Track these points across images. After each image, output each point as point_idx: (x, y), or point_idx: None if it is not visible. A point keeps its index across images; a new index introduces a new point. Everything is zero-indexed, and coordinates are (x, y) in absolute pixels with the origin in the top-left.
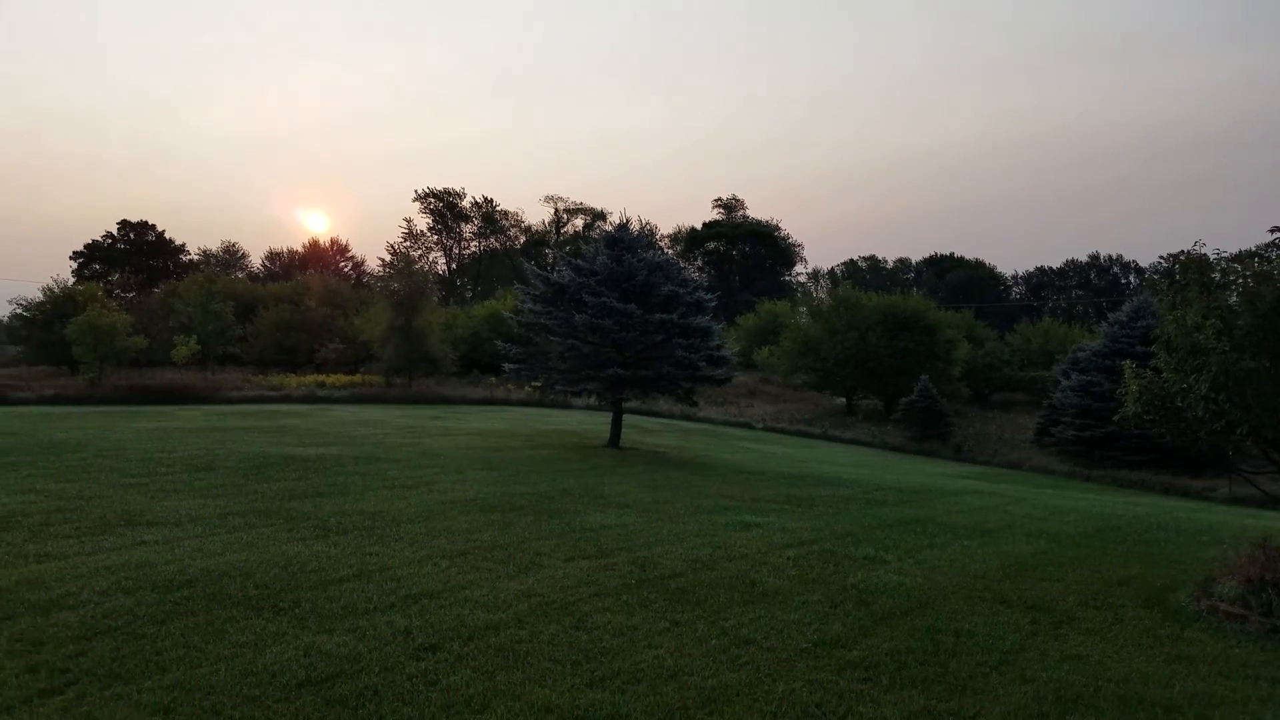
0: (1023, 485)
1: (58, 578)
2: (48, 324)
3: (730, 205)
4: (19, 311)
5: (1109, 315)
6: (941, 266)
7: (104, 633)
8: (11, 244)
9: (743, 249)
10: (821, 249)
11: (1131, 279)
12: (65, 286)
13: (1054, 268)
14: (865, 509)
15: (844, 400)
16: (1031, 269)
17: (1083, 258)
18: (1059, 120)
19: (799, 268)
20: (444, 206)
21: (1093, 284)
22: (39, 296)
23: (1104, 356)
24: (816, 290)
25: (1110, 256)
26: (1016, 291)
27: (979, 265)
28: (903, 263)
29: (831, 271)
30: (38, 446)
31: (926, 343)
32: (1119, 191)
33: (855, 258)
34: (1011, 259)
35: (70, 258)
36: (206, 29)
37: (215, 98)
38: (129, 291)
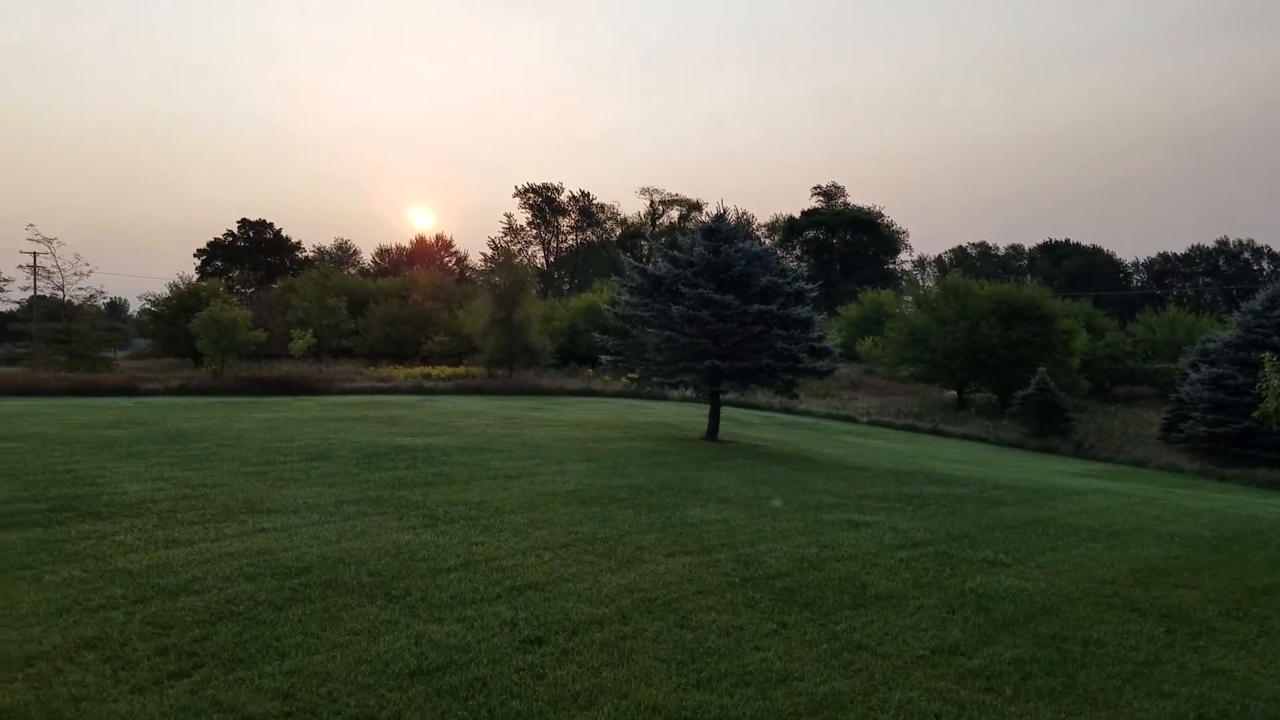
0: (1150, 484)
1: (185, 563)
2: (174, 319)
3: (830, 193)
4: (148, 307)
5: (1241, 304)
6: (1057, 253)
7: (227, 617)
8: (141, 242)
9: (843, 237)
10: (928, 236)
11: (1265, 265)
12: (190, 283)
13: (1178, 254)
14: (981, 508)
15: (954, 393)
16: (1154, 255)
17: (1210, 243)
18: (1179, 96)
19: (904, 255)
20: (542, 201)
21: (1221, 271)
22: (166, 293)
23: (1237, 348)
24: (923, 279)
25: (1240, 241)
26: (1138, 279)
27: (1097, 251)
28: (1015, 249)
29: (939, 259)
30: (165, 436)
31: (1043, 333)
32: (1249, 172)
33: (964, 244)
34: (1131, 245)
35: (194, 255)
36: (314, 31)
37: (325, 99)
38: (249, 287)
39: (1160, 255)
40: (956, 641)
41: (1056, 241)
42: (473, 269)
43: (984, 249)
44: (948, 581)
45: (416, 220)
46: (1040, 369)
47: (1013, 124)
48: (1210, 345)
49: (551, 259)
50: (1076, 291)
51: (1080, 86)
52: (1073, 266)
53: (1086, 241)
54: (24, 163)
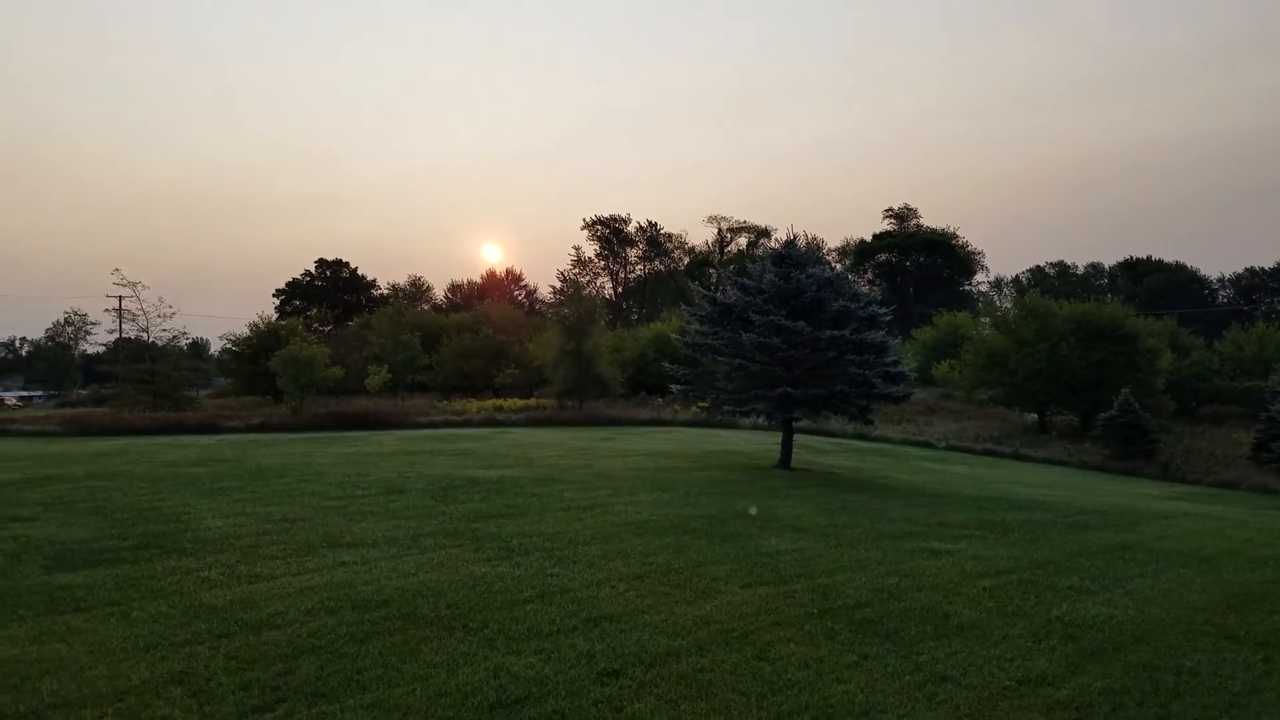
0: (1240, 507)
1: (267, 597)
2: (254, 357)
3: (902, 215)
4: (229, 346)
5: None
6: (1138, 271)
7: (309, 651)
8: (223, 284)
9: (917, 259)
10: (1004, 256)
11: None
12: (269, 322)
13: (1266, 268)
14: (1066, 534)
15: (1035, 416)
16: (1240, 270)
17: None
18: (1263, 108)
19: (980, 276)
20: (610, 233)
21: None
22: (246, 332)
23: None
24: (1000, 300)
25: None
26: (1224, 295)
27: (1179, 268)
28: (1094, 268)
29: (1016, 279)
30: (247, 472)
31: (1125, 353)
32: None
33: (1042, 264)
34: (1216, 261)
35: (273, 295)
36: (386, 78)
37: (398, 142)
38: (326, 325)
39: (1247, 270)
40: (1044, 672)
41: (1137, 259)
42: (542, 301)
43: (1062, 268)
44: (1033, 610)
45: (487, 255)
46: (1123, 390)
47: (1091, 141)
48: None
49: (619, 289)
50: (1160, 309)
51: (1159, 101)
52: (1155, 284)
53: (1169, 258)
54: (112, 209)
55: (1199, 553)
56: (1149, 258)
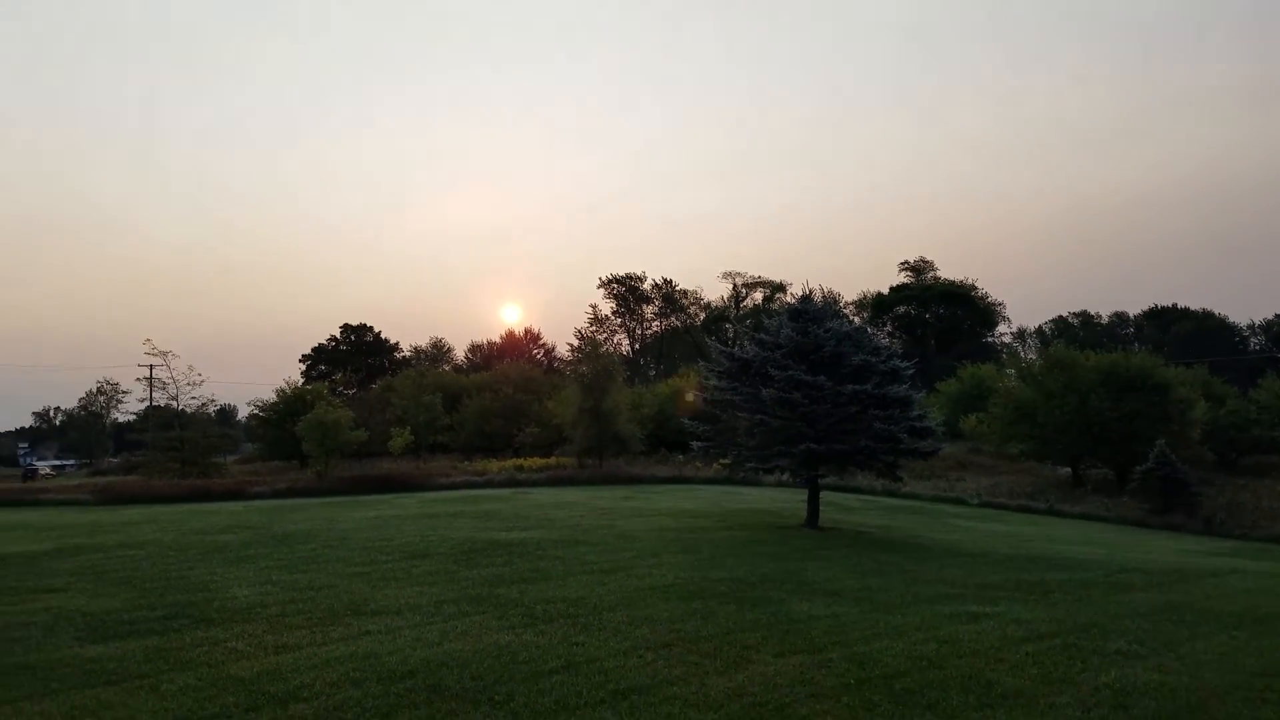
0: None
1: (293, 669)
2: (280, 422)
3: (918, 267)
4: (256, 412)
5: None
6: (1164, 319)
7: None
8: (252, 350)
9: (936, 311)
10: (1025, 306)
11: None
12: (296, 387)
13: None
14: (1109, 594)
15: (1069, 470)
16: (1270, 316)
17: None
18: None
19: (1001, 327)
20: (626, 290)
21: None
22: (273, 398)
23: None
24: (1024, 351)
25: None
26: (1255, 342)
27: (1208, 316)
28: (1119, 317)
29: (1039, 330)
30: (273, 539)
31: (1158, 403)
32: None
33: (1065, 314)
34: (1245, 307)
35: (300, 360)
36: (410, 143)
37: (418, 207)
38: (350, 388)
39: (1277, 316)
40: None
41: (1163, 307)
42: (560, 359)
43: (1086, 318)
44: (1079, 677)
45: (506, 315)
46: (1158, 441)
47: (1111, 188)
48: None
49: (636, 346)
50: (1189, 358)
51: (1179, 145)
52: (1183, 332)
53: (1195, 305)
54: (143, 280)
55: (1253, 613)
56: (1175, 305)
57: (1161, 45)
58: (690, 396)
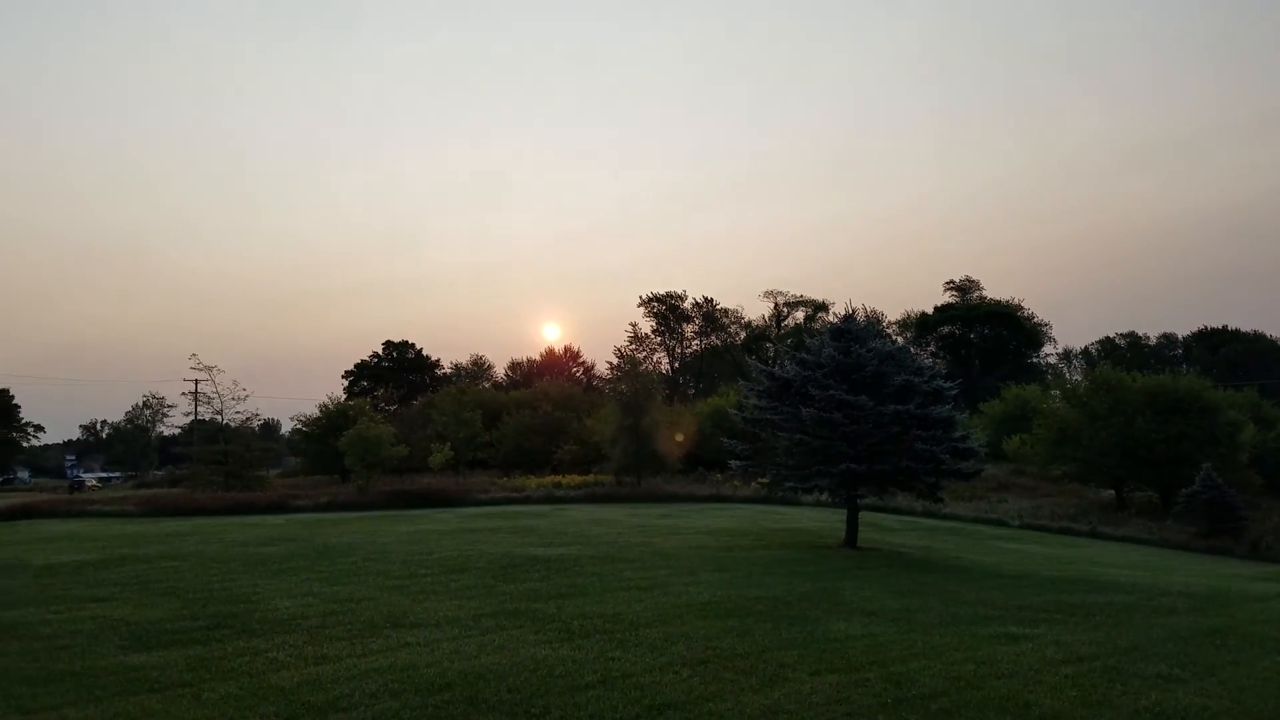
0: None
1: (333, 679)
2: (323, 437)
3: (964, 287)
4: (299, 427)
5: None
6: (1213, 341)
7: None
8: (295, 366)
9: (981, 331)
10: (1072, 327)
11: None
12: (338, 403)
13: None
14: (1151, 618)
15: (1112, 493)
16: None
17: None
18: None
19: (1047, 348)
20: (666, 309)
21: None
22: (316, 413)
23: None
24: (1070, 372)
25: None
26: None
27: (1258, 338)
28: (1167, 338)
29: (1085, 351)
30: (314, 551)
31: (1205, 426)
32: None
33: (1112, 335)
34: None
35: (342, 376)
36: (447, 166)
37: (462, 227)
38: (391, 404)
39: None
40: None
41: (1212, 329)
42: (600, 378)
43: (1133, 339)
44: (1119, 700)
45: (546, 333)
46: (1205, 464)
47: (1161, 209)
48: None
49: (676, 364)
50: (1239, 381)
51: (1233, 166)
52: (1232, 354)
53: (1246, 327)
54: (190, 297)
55: None
56: (1225, 327)
57: (1218, 66)
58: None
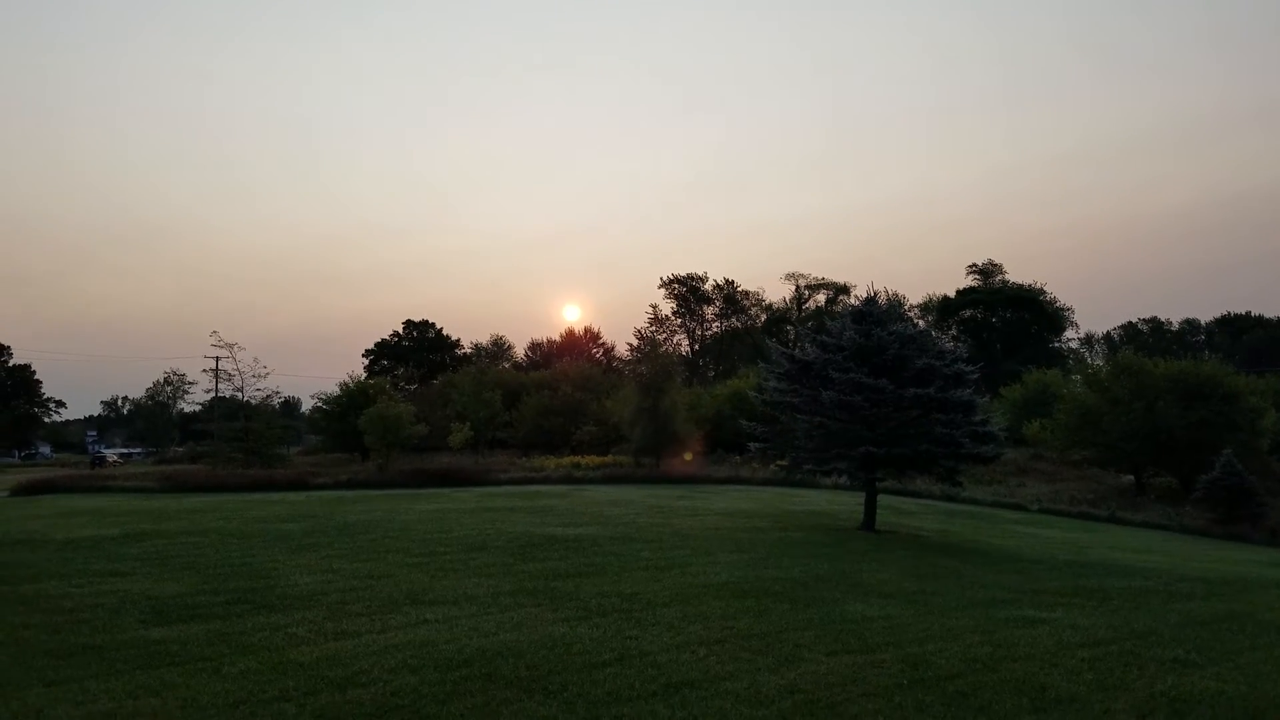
0: None
1: (352, 655)
2: (343, 415)
3: (987, 270)
4: (319, 405)
5: None
6: (1237, 326)
7: (393, 710)
8: (316, 344)
9: (1003, 315)
10: (1094, 312)
11: None
12: (359, 381)
13: None
14: (1168, 603)
15: (1132, 478)
16: None
17: None
18: None
19: (1069, 333)
20: (687, 291)
21: None
22: (336, 391)
23: None
24: (1091, 357)
25: None
26: None
27: None
28: (1190, 324)
29: (1107, 336)
30: (334, 529)
31: (1226, 412)
32: None
33: (1134, 320)
34: None
35: (363, 355)
36: (475, 148)
37: (482, 207)
38: (411, 384)
39: None
40: None
41: (1236, 314)
42: (619, 359)
43: (1155, 324)
44: (1135, 684)
45: (566, 314)
46: (1225, 451)
47: (1186, 193)
48: None
49: (696, 347)
50: (1262, 367)
51: (1257, 150)
52: (1256, 340)
53: (1270, 313)
54: (211, 275)
55: None
56: (1248, 313)
57: (1248, 44)
58: (689, 456)
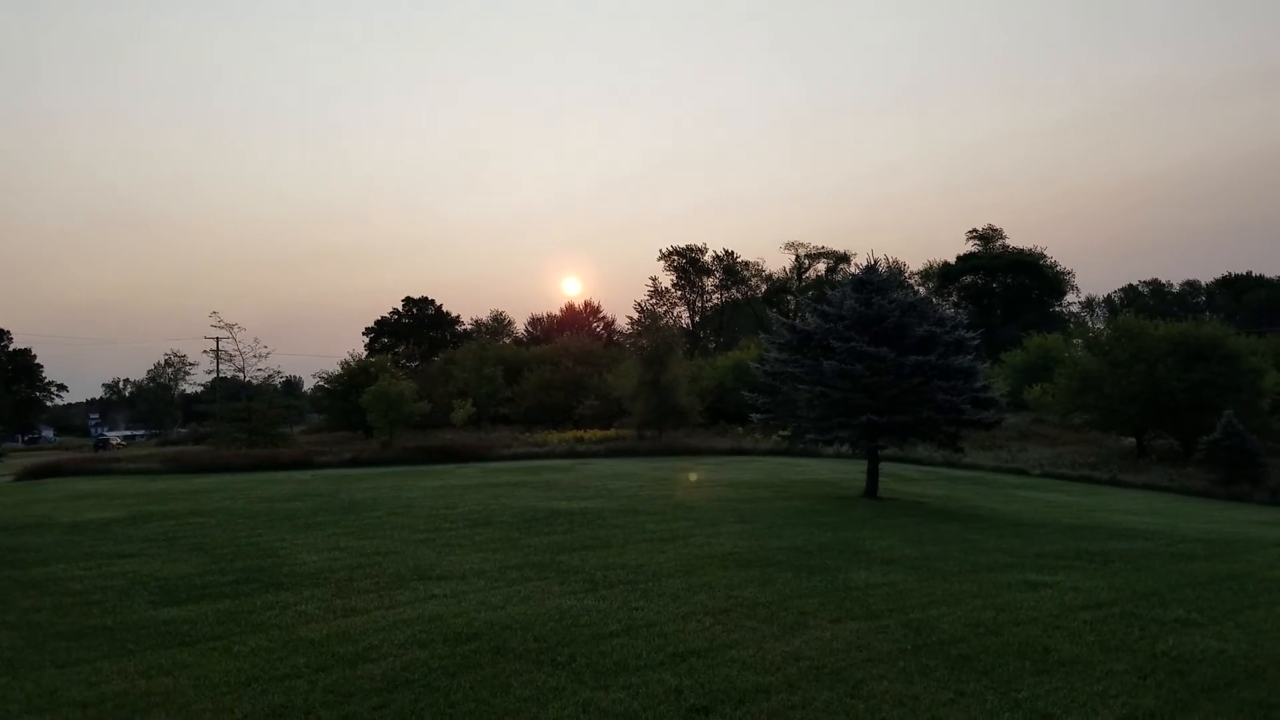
0: None
1: (362, 631)
2: (345, 394)
3: (987, 236)
4: (321, 384)
5: None
6: (1238, 288)
7: (403, 685)
8: (316, 323)
9: (1004, 280)
10: (1095, 275)
11: None
12: (360, 359)
13: None
14: (1169, 564)
15: (1133, 441)
16: None
17: None
18: None
19: (1070, 297)
20: (687, 263)
21: None
22: (338, 370)
23: None
24: (1092, 320)
25: None
26: None
27: None
28: (1191, 285)
29: (1108, 299)
30: (340, 506)
31: (1227, 374)
32: None
33: (1135, 282)
34: None
35: (363, 333)
36: (472, 120)
37: (481, 181)
38: (413, 361)
39: None
40: (1151, 709)
41: (1237, 275)
42: (620, 333)
43: (1156, 286)
44: (1137, 644)
45: (566, 288)
46: (1226, 412)
47: (1188, 154)
48: None
49: (697, 319)
50: (1263, 327)
51: (1258, 111)
52: (1256, 301)
53: (1271, 274)
54: (210, 254)
55: None
56: (1249, 274)
57: (1248, 8)
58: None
